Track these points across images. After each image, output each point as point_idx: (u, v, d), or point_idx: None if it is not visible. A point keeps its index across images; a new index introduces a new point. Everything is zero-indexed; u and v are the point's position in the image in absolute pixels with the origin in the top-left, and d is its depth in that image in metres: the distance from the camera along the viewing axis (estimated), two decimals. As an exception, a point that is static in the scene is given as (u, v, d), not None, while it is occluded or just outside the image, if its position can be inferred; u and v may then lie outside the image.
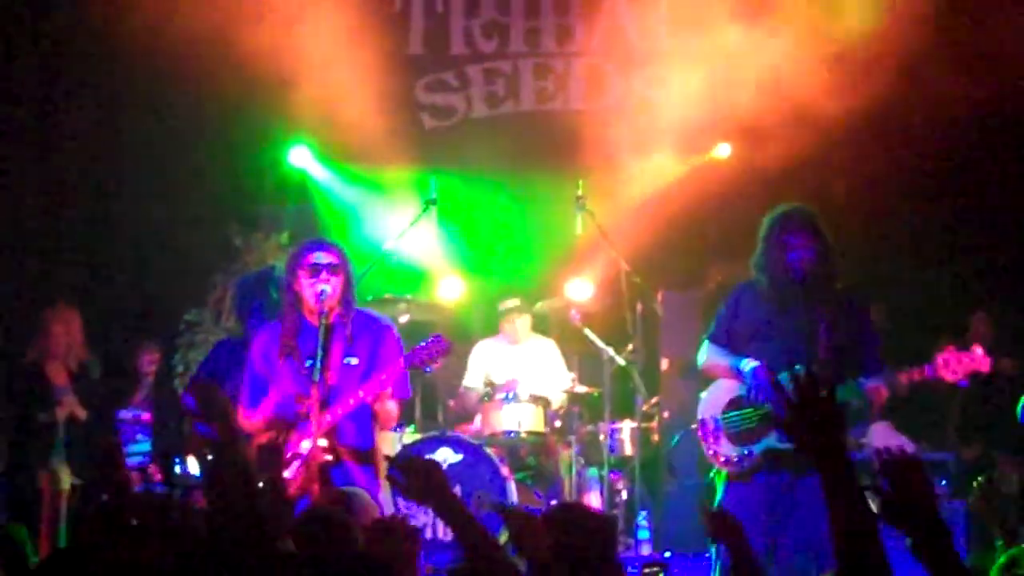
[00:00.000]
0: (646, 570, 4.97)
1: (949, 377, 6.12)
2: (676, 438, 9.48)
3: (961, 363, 6.12)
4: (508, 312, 10.21)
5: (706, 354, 6.66)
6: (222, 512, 3.87)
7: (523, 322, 10.24)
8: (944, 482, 8.69)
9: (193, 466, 6.44)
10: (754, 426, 6.36)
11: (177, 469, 6.50)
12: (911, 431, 9.34)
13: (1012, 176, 10.61)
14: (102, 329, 10.36)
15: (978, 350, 6.14)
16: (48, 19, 10.94)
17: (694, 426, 6.68)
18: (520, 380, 9.63)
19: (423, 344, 6.45)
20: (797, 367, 6.15)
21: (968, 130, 10.41)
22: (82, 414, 9.32)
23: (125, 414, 9.80)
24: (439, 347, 6.44)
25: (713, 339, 6.64)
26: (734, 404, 6.47)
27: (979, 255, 10.68)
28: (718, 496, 6.47)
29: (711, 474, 6.59)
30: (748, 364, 6.37)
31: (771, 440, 6.29)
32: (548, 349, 10.27)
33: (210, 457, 3.97)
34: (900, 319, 9.93)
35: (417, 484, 3.97)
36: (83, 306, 10.02)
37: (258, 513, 3.88)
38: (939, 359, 6.12)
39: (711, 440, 6.52)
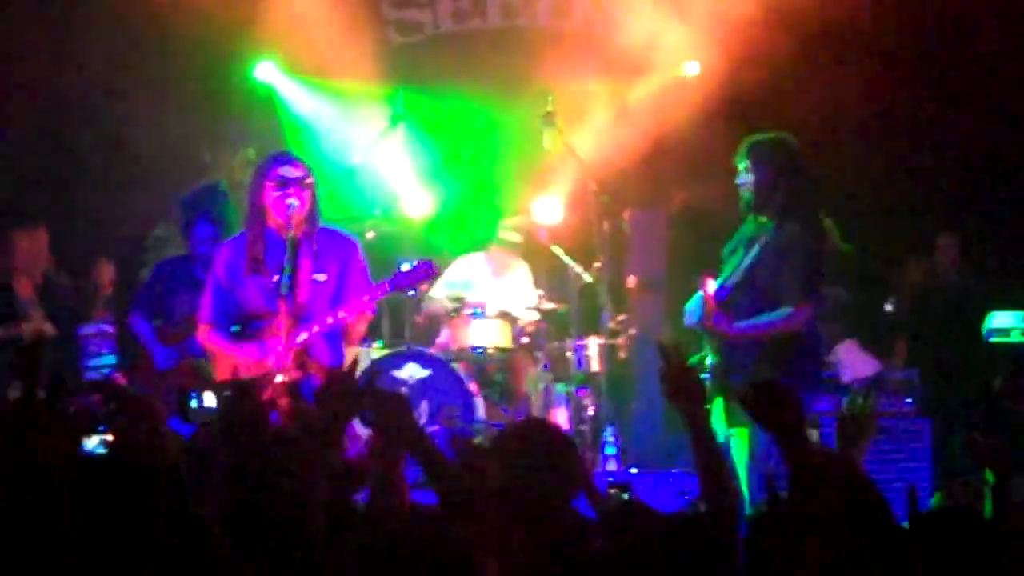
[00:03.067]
0: (611, 491, 5.00)
1: None
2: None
3: None
4: (510, 244, 10.17)
5: None
6: (237, 452, 3.87)
7: (516, 260, 10.20)
8: (910, 400, 8.76)
9: (210, 400, 6.44)
10: None
11: (194, 403, 6.49)
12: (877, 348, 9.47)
13: (978, 90, 10.62)
14: (69, 246, 10.31)
15: None
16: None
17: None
18: (489, 297, 9.64)
19: (411, 268, 6.44)
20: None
21: (946, 45, 10.40)
22: (50, 330, 9.29)
23: (87, 329, 9.77)
24: (428, 271, 6.43)
25: None
26: None
27: (943, 174, 10.73)
28: None
29: None
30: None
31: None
32: (523, 274, 10.24)
33: (227, 394, 3.99)
34: (863, 239, 10.05)
35: (384, 420, 3.97)
36: (49, 224, 9.97)
37: (272, 454, 3.89)
38: None
39: None
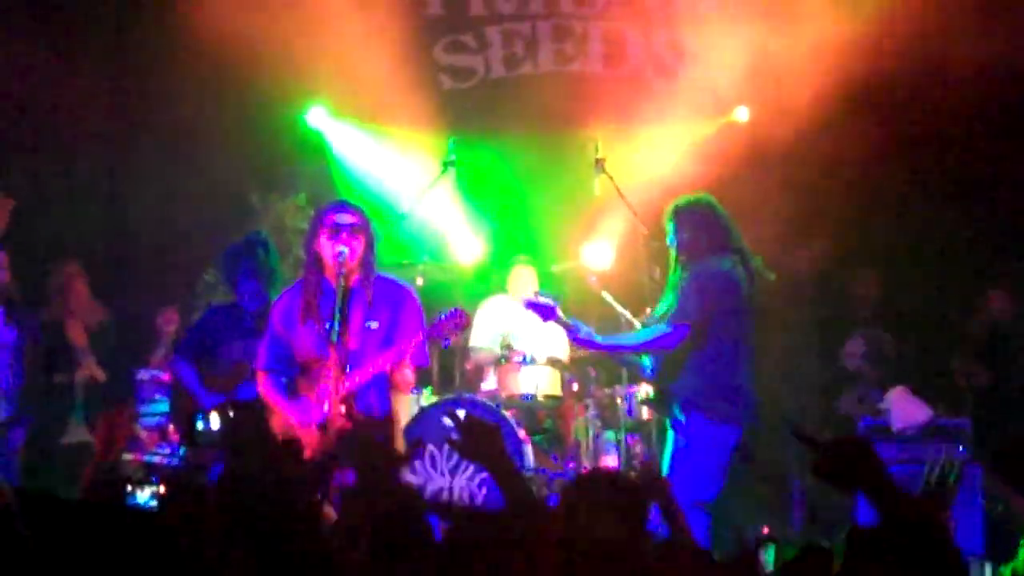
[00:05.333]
0: None
1: None
2: None
3: None
4: (515, 263, 10.14)
5: None
6: (240, 471, 3.87)
7: (530, 276, 10.11)
8: (962, 448, 8.67)
9: (215, 422, 6.47)
10: None
11: (200, 426, 6.51)
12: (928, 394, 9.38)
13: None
14: (121, 290, 10.37)
15: None
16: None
17: None
18: (531, 343, 9.59)
19: (443, 317, 6.48)
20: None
21: (992, 99, 10.33)
22: (101, 376, 9.32)
23: (144, 374, 9.78)
24: (459, 321, 6.48)
25: None
26: None
27: (995, 226, 10.66)
28: None
29: None
30: None
31: None
32: None
33: (232, 414, 4.02)
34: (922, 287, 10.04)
35: (474, 446, 4.02)
36: (102, 267, 10.03)
37: (277, 474, 3.89)
38: None
39: None
